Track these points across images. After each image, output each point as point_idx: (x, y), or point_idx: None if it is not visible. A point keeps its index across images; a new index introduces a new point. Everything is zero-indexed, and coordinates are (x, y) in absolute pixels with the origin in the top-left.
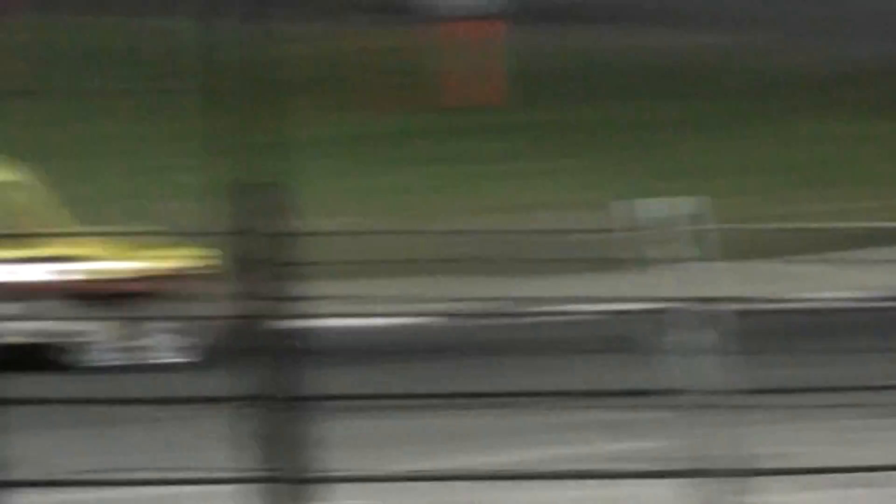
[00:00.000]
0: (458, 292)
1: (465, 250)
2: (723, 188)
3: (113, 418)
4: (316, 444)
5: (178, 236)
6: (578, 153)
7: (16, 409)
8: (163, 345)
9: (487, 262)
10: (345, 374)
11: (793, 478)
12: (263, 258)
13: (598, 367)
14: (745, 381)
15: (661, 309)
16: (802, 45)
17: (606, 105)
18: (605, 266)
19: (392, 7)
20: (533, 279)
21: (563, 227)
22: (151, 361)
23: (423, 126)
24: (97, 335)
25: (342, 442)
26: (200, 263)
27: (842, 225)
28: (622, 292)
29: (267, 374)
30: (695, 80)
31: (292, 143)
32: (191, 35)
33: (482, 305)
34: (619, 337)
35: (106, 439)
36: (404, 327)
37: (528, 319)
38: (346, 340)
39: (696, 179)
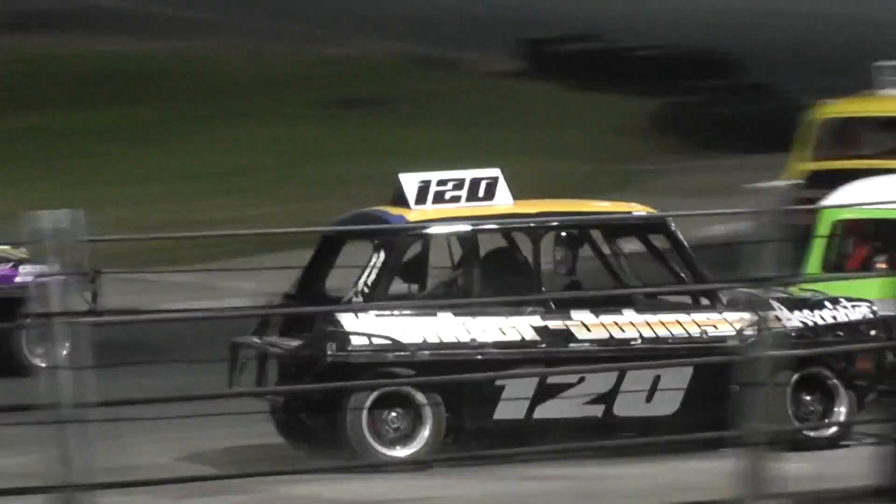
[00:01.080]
0: None
1: None
2: (146, 195)
3: None
4: None
5: None
6: (21, 161)
7: None
8: None
9: None
10: None
11: (136, 489)
12: None
13: None
14: (97, 394)
15: (30, 323)
16: (253, 50)
17: (53, 113)
18: None
19: None
20: None
21: None
22: None
23: None
24: None
25: None
26: None
27: (232, 232)
28: None
29: None
30: (149, 86)
31: None
32: None
33: None
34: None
35: None
36: None
37: None
38: None
39: (127, 187)
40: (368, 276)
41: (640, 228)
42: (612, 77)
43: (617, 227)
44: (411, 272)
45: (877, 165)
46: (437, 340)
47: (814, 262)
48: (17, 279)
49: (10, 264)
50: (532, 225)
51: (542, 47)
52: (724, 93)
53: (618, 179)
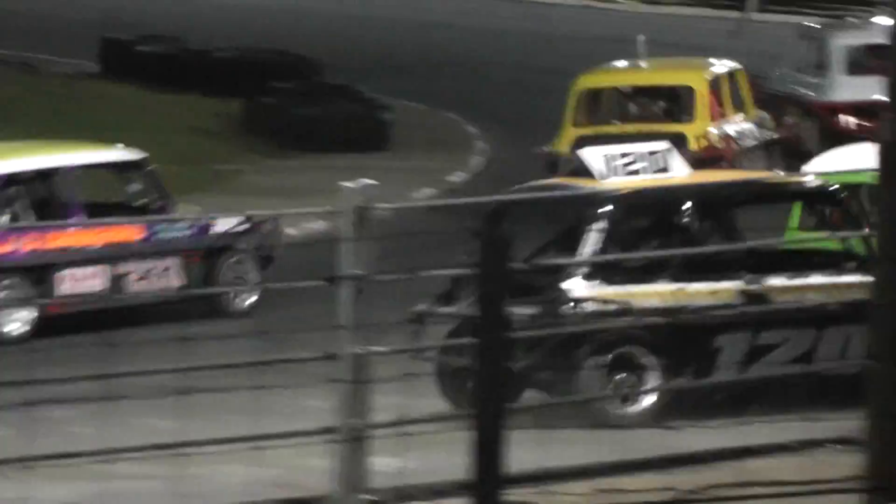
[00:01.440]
0: None
1: None
2: None
3: None
4: None
5: None
6: None
7: None
8: None
9: None
10: None
11: None
12: None
13: None
14: None
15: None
16: None
17: None
18: None
19: None
20: None
21: None
22: None
23: None
24: None
25: None
26: None
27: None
28: None
29: None
30: None
31: None
32: None
33: None
34: None
35: None
36: None
37: None
38: None
39: None
40: (590, 244)
41: (812, 196)
42: (190, 78)
43: (792, 195)
44: (626, 240)
45: (630, 130)
46: (661, 305)
47: (793, 225)
48: (212, 231)
49: (207, 219)
50: (726, 193)
51: (117, 49)
52: (303, 94)
53: (199, 180)
